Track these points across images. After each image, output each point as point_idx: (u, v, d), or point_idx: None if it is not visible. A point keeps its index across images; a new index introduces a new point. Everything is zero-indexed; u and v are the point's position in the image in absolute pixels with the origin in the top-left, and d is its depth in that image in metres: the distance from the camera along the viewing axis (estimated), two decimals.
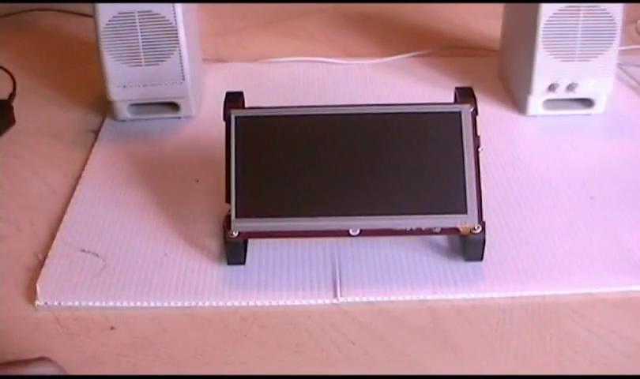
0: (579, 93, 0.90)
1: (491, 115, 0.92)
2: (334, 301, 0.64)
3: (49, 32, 1.20)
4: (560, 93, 0.90)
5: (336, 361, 0.58)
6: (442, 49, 1.11)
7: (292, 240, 0.70)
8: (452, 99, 0.69)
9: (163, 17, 0.86)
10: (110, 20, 0.85)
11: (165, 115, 0.92)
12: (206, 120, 0.92)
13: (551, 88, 0.89)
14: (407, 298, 0.64)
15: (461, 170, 0.64)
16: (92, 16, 0.86)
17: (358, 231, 0.64)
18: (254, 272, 0.67)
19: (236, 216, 0.64)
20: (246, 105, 0.69)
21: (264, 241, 0.70)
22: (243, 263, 0.68)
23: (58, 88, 1.01)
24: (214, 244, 0.70)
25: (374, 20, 1.24)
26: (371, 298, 0.64)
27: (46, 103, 0.98)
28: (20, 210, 0.76)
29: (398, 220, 0.64)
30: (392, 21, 1.23)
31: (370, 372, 0.57)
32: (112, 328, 0.62)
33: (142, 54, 0.87)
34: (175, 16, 0.86)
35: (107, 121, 0.92)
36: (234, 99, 0.68)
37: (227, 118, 0.66)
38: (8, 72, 1.03)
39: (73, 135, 0.90)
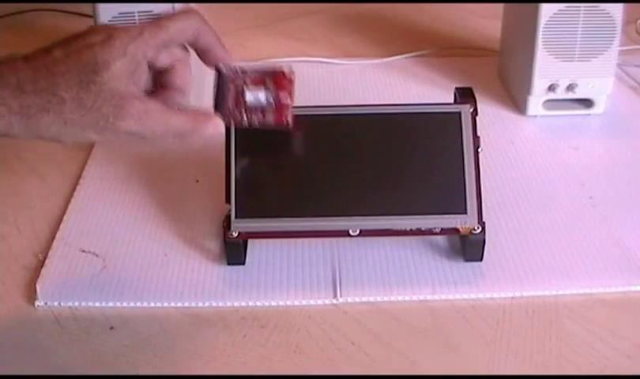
0: (579, 93, 0.90)
1: (491, 115, 0.92)
2: (334, 301, 0.64)
3: (49, 32, 1.20)
4: (560, 93, 0.90)
5: (336, 361, 0.58)
6: (442, 49, 1.11)
7: (292, 240, 0.70)
8: (452, 100, 0.69)
9: None
10: (110, 21, 0.85)
11: None
12: None
13: (551, 88, 0.89)
14: (407, 298, 0.64)
15: (460, 171, 0.64)
16: (92, 16, 0.86)
17: (358, 231, 0.64)
18: (254, 272, 0.67)
19: (236, 216, 0.64)
20: None
21: (264, 241, 0.69)
22: (243, 263, 0.68)
23: None
24: (214, 244, 0.70)
25: (374, 20, 1.24)
26: (371, 299, 0.64)
27: None
28: (20, 209, 0.76)
29: (398, 220, 0.64)
30: (392, 21, 1.23)
31: (370, 372, 0.57)
32: (112, 328, 0.62)
33: None
34: None
35: None
36: None
37: None
38: None
39: None
